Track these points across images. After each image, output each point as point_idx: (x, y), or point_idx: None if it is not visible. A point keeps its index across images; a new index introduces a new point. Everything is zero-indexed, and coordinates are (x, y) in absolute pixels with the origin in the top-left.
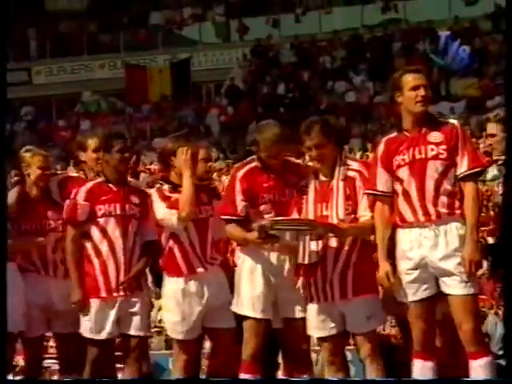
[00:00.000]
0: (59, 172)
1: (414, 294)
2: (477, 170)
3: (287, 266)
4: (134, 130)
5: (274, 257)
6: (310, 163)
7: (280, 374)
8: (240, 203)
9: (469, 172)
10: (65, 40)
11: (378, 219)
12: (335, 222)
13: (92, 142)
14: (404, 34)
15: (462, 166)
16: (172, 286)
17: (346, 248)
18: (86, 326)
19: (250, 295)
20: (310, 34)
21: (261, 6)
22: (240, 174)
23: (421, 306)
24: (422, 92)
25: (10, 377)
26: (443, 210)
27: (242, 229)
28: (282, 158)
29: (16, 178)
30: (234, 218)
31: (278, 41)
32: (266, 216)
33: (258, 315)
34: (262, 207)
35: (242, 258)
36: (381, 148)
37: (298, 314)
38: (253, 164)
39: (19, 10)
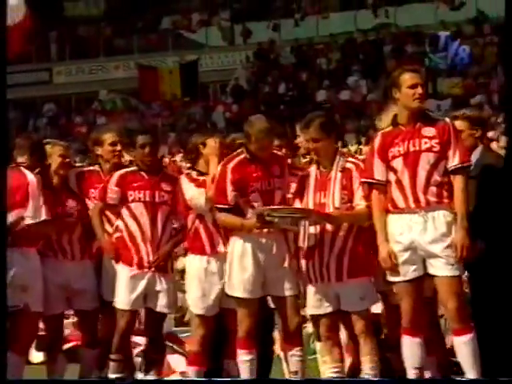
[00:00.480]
0: (78, 164)
1: (403, 274)
2: (467, 164)
3: (275, 249)
4: (146, 125)
5: (262, 241)
6: (307, 155)
7: (276, 349)
8: (231, 193)
9: (460, 165)
10: (83, 43)
11: (375, 206)
12: (332, 209)
13: (107, 137)
14: (394, 37)
15: (454, 160)
16: (195, 263)
17: (343, 234)
18: (119, 298)
19: (240, 278)
20: (308, 38)
21: (263, 11)
22: (230, 165)
23: (410, 285)
24: (419, 90)
25: (34, 351)
26: (432, 199)
27: (236, 216)
28: (271, 150)
29: (37, 169)
30: (226, 206)
31: (278, 44)
32: (254, 204)
33: (249, 296)
34: (251, 196)
35: (233, 243)
36: (377, 140)
37: (287, 293)
38: (242, 156)
39: (41, 15)
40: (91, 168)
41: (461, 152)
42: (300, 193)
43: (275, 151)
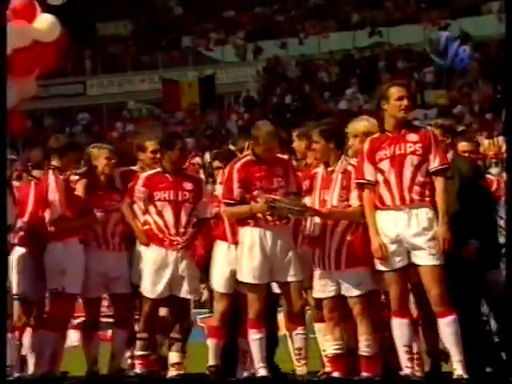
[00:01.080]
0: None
1: (391, 264)
2: (446, 166)
3: (280, 240)
4: (168, 132)
5: (269, 233)
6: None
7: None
8: (237, 190)
9: (440, 167)
10: (113, 59)
11: (367, 203)
12: (330, 206)
13: (149, 144)
14: (387, 54)
15: (435, 163)
16: (218, 248)
17: (342, 228)
18: (145, 287)
19: (250, 266)
20: (310, 54)
21: (272, 31)
22: (237, 165)
23: (397, 274)
24: (405, 102)
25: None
26: (416, 197)
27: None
28: (275, 152)
29: (84, 169)
30: (232, 201)
31: (285, 60)
32: (258, 200)
33: (258, 281)
34: (255, 193)
35: (243, 235)
36: (366, 146)
37: (291, 278)
38: (248, 158)
39: (76, 34)
40: (133, 168)
41: (440, 156)
42: (310, 189)
43: (279, 155)
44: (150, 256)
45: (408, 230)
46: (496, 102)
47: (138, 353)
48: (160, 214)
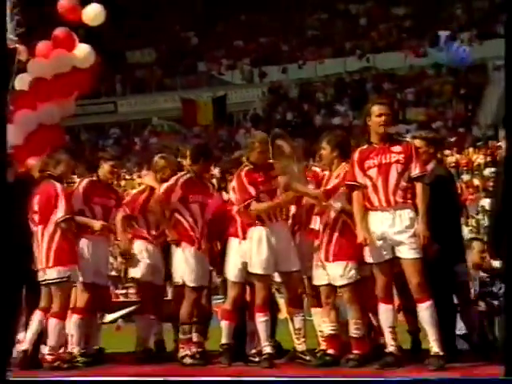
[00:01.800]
0: (144, 172)
1: (377, 258)
2: (425, 173)
3: (284, 236)
4: (187, 144)
5: (274, 230)
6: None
7: (282, 313)
8: (251, 189)
9: (420, 174)
10: (140, 82)
11: (356, 202)
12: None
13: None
14: (374, 77)
15: (416, 170)
16: (232, 243)
17: (332, 225)
18: (191, 278)
19: (258, 259)
20: (308, 78)
21: (275, 58)
22: (243, 172)
23: (383, 266)
24: (383, 118)
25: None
26: (399, 200)
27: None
28: (268, 156)
29: (148, 172)
30: (252, 199)
31: (286, 83)
32: (263, 201)
33: (265, 272)
34: (260, 195)
35: (251, 231)
36: (356, 155)
37: (292, 268)
38: (248, 167)
39: (108, 61)
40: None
41: (420, 164)
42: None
43: (271, 160)
44: (185, 248)
45: (392, 228)
46: (467, 119)
47: (182, 337)
48: (192, 215)
